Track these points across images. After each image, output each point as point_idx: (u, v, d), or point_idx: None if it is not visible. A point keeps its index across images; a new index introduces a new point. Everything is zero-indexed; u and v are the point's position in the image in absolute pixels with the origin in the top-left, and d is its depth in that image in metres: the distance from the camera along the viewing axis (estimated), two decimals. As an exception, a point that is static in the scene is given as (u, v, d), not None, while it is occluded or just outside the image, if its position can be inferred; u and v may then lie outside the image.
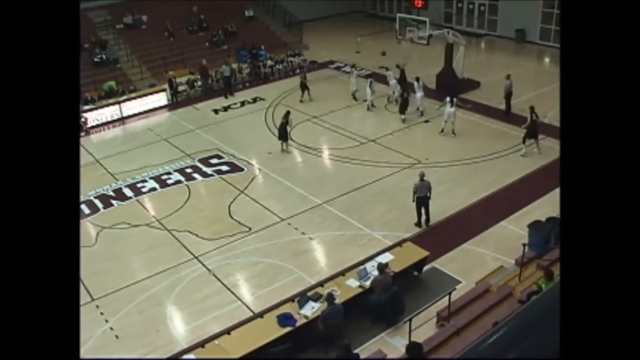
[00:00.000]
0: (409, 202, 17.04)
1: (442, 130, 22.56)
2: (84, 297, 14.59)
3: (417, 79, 24.59)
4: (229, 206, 18.55)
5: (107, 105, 28.14)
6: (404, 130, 23.15)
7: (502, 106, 24.05)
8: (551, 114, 23.14)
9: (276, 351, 11.71)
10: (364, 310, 13.06)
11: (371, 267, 13.55)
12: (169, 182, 20.61)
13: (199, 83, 30.14)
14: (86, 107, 27.69)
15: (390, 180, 19.47)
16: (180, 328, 13.74)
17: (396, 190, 18.70)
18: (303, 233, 16.71)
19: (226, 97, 28.93)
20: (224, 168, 21.27)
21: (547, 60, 33.32)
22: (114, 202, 19.66)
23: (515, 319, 5.46)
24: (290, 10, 38.74)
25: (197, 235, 16.99)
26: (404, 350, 10.56)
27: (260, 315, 12.75)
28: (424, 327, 12.53)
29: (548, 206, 16.31)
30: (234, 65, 31.75)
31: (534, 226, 14.76)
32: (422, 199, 16.36)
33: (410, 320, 11.74)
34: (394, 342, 12.45)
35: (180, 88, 29.77)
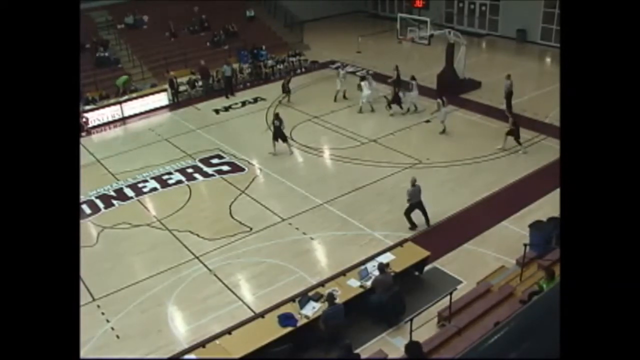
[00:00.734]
0: (410, 202, 17.08)
1: (443, 131, 22.60)
2: (85, 297, 14.60)
3: (413, 78, 24.73)
4: (230, 206, 18.55)
5: (108, 106, 28.16)
6: (405, 130, 23.14)
7: (503, 106, 24.03)
8: (552, 114, 23.15)
9: (277, 351, 11.71)
10: (365, 311, 13.06)
11: (372, 267, 13.55)
12: (170, 182, 20.62)
13: (200, 83, 30.17)
14: (87, 107, 27.72)
15: (391, 180, 19.47)
16: (181, 328, 13.74)
17: (397, 190, 18.69)
18: (304, 233, 16.71)
19: (227, 97, 28.94)
20: (225, 168, 21.27)
21: (548, 60, 33.30)
22: (115, 202, 19.67)
23: (516, 319, 5.46)
24: (291, 10, 38.75)
25: (198, 235, 16.99)
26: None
27: (261, 315, 12.76)
28: (425, 327, 12.54)
29: (549, 206, 16.30)
30: (235, 65, 31.80)
31: (535, 226, 14.75)
32: (417, 204, 16.37)
33: (411, 320, 11.74)
34: (395, 342, 12.45)
35: (182, 88, 29.81)
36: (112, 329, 13.74)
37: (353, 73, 30.06)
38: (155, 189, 20.24)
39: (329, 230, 16.66)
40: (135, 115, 28.01)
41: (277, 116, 22.17)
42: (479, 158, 20.53)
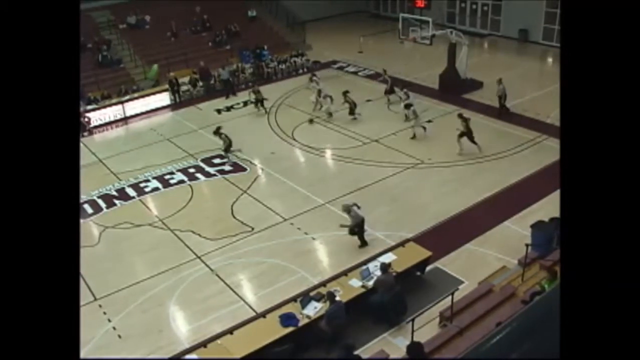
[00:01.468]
0: (412, 202, 17.08)
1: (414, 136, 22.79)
2: (86, 297, 14.62)
3: (405, 86, 25.12)
4: (232, 206, 18.56)
5: (109, 105, 28.21)
6: (407, 131, 23.11)
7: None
8: (554, 114, 23.12)
9: (279, 351, 11.72)
10: (366, 311, 13.05)
11: (374, 267, 13.55)
12: (172, 182, 20.63)
13: (201, 83, 30.20)
14: (89, 107, 27.76)
15: (393, 181, 19.46)
16: (182, 328, 13.74)
17: (399, 190, 18.69)
18: (306, 233, 16.71)
19: (226, 98, 28.90)
20: (227, 168, 21.28)
21: (550, 60, 33.28)
22: (117, 201, 19.68)
23: (518, 319, 5.45)
24: (293, 10, 38.74)
25: (200, 235, 17.00)
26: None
27: (263, 315, 12.77)
28: (426, 327, 12.53)
29: (551, 206, 16.27)
30: (237, 65, 31.87)
31: (537, 226, 14.74)
32: (360, 227, 15.69)
33: (412, 320, 11.73)
34: (397, 342, 12.45)
35: (183, 88, 29.83)
36: (114, 328, 13.74)
37: (355, 73, 29.96)
38: (157, 188, 20.25)
39: (330, 230, 16.65)
40: (137, 115, 28.04)
41: (219, 129, 22.39)
42: (481, 158, 20.51)
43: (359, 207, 15.72)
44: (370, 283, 13.16)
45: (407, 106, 23.05)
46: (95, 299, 14.79)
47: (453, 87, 26.77)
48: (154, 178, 20.92)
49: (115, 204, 19.50)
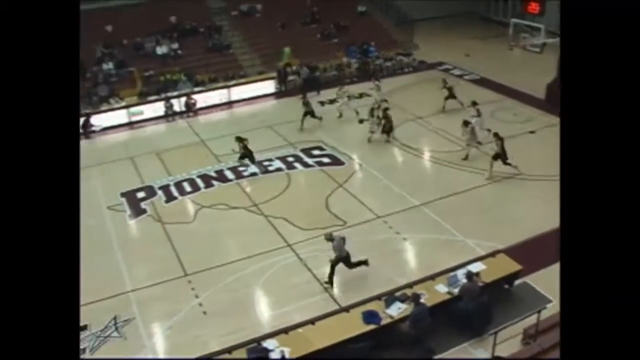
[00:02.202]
0: (506, 213, 16.76)
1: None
2: (177, 271, 15.19)
3: (474, 103, 23.30)
4: (327, 198, 18.76)
5: (216, 89, 29.05)
6: (508, 140, 22.53)
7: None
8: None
9: (358, 347, 11.80)
10: (450, 318, 12.93)
11: (462, 275, 13.36)
12: (270, 168, 21.06)
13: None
14: (197, 89, 28.72)
15: (489, 189, 19.10)
16: (266, 312, 14.07)
17: (494, 199, 18.35)
18: (397, 232, 16.68)
19: (304, 97, 28.10)
20: (325, 160, 21.49)
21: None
22: (215, 182, 20.32)
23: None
24: (403, 8, 38.48)
25: (292, 224, 17.30)
26: (486, 363, 10.43)
27: (346, 309, 12.87)
28: (508, 342, 12.25)
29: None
30: (342, 60, 32.11)
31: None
32: (345, 258, 14.60)
33: (495, 333, 11.55)
34: (477, 354, 12.25)
35: (290, 78, 30.37)
36: (200, 304, 14.27)
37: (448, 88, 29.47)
38: (255, 174, 20.72)
39: (421, 232, 16.56)
40: (242, 100, 28.70)
41: (241, 139, 21.30)
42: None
43: (344, 242, 14.57)
44: (457, 290, 13.01)
45: (466, 123, 21.40)
46: (186, 275, 15.38)
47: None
48: (253, 163, 21.40)
49: (213, 185, 20.14)
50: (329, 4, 36.02)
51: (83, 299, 14.52)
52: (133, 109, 28.23)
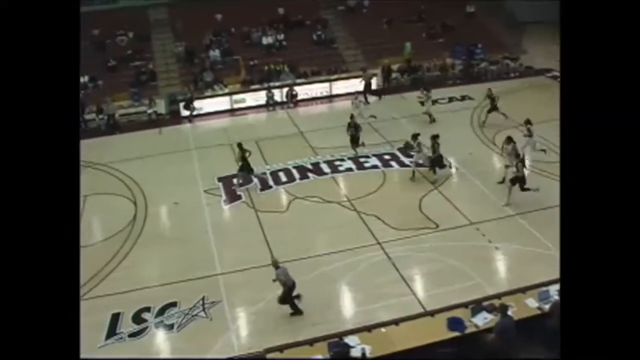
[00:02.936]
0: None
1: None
2: (266, 259, 15.37)
3: (528, 122, 21.07)
4: (421, 200, 18.53)
5: (318, 82, 29.29)
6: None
7: None
8: None
9: (442, 353, 11.62)
10: (537, 334, 12.49)
11: (554, 291, 12.89)
12: (366, 165, 21.04)
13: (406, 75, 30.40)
14: (299, 81, 29.06)
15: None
16: (350, 308, 14.04)
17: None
18: (489, 241, 16.25)
19: (365, 99, 28.09)
20: (420, 161, 21.21)
21: None
22: (310, 175, 20.50)
23: None
24: (514, 10, 37.40)
25: (383, 222, 17.18)
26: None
27: (431, 314, 12.71)
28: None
29: None
30: (445, 61, 31.66)
31: None
32: (292, 287, 13.79)
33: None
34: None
35: (393, 75, 30.29)
36: (287, 294, 14.38)
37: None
38: (350, 169, 20.75)
39: (515, 242, 16.04)
40: (342, 95, 28.77)
41: (240, 146, 20.49)
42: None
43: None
44: (547, 307, 12.55)
45: (509, 140, 19.49)
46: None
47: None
48: (349, 158, 21.46)
49: (308, 177, 20.32)
50: (437, 3, 35.46)
51: (175, 277, 15.19)
52: (236, 97, 28.94)
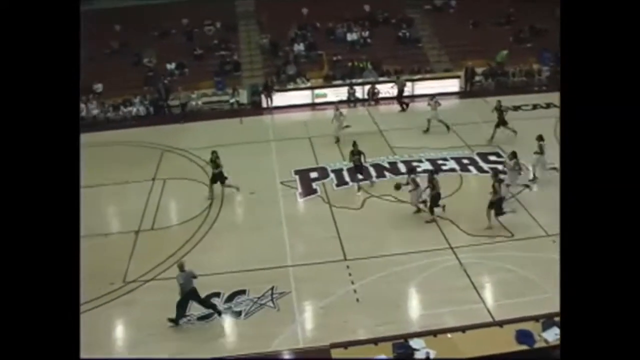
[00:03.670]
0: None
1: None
2: (337, 255, 15.45)
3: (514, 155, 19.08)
4: (497, 207, 18.18)
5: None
6: None
7: None
8: None
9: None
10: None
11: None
12: (444, 167, 20.80)
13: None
14: (381, 79, 29.00)
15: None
16: (417, 310, 13.99)
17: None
18: (566, 254, 15.80)
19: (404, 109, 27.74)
20: (502, 167, 20.77)
21: None
22: (387, 174, 20.47)
23: None
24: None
25: (458, 227, 16.98)
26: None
27: (500, 324, 12.53)
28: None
29: None
30: (532, 66, 30.89)
31: None
32: (191, 293, 13.60)
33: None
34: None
35: (477, 78, 29.87)
36: (355, 291, 14.46)
37: None
38: (427, 170, 20.53)
39: (594, 259, 15.53)
40: (423, 95, 28.44)
41: (213, 152, 19.55)
42: None
43: (195, 277, 13.57)
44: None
45: (513, 155, 18.81)
46: (345, 259, 15.69)
47: None
48: (427, 160, 21.26)
49: (385, 176, 20.29)
50: (526, 5, 34.48)
51: (247, 265, 15.47)
52: (318, 91, 29.14)
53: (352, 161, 19.76)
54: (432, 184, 17.26)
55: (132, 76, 31.27)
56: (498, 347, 11.67)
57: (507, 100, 27.00)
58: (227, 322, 13.84)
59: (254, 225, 17.90)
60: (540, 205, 18.31)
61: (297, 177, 20.70)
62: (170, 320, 13.64)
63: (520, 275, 14.78)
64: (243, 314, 13.93)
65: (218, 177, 19.39)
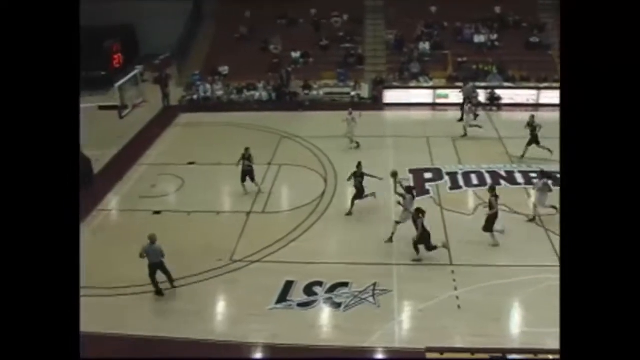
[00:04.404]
0: None
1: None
2: (443, 259, 15.28)
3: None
4: (615, 228, 17.33)
5: (526, 88, 28.34)
6: None
7: None
8: None
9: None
10: None
11: None
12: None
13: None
14: (506, 84, 28.27)
15: None
16: (518, 327, 13.56)
17: None
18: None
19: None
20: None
21: None
22: (503, 182, 19.94)
23: None
24: None
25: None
26: None
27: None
28: None
29: None
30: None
31: None
32: (158, 265, 14.42)
33: None
34: None
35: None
36: (457, 297, 14.23)
37: None
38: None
39: None
40: (550, 105, 27.29)
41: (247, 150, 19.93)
42: None
43: (163, 255, 14.42)
44: None
45: (542, 174, 17.78)
46: (451, 264, 15.48)
47: None
48: (542, 171, 20.47)
49: (500, 184, 19.72)
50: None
51: (352, 258, 15.58)
52: (440, 91, 28.80)
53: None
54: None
55: (258, 62, 32.12)
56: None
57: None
58: (326, 312, 14.00)
59: (363, 219, 17.96)
60: None
61: (411, 176, 20.56)
62: (157, 292, 14.69)
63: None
64: (343, 306, 14.05)
65: (248, 174, 19.71)
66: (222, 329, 13.66)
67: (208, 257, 16.04)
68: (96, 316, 13.93)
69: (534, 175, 20.01)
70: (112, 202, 20.32)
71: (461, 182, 20.12)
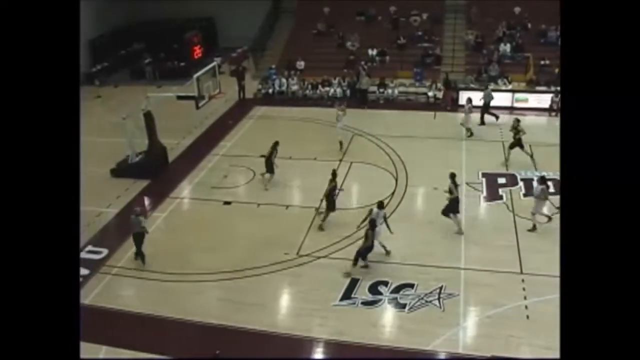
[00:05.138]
0: None
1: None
2: (513, 266, 14.87)
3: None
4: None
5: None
6: None
7: None
8: None
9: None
10: None
11: None
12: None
13: None
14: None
15: None
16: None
17: None
18: None
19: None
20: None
21: None
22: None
23: None
24: None
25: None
26: None
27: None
28: None
29: None
30: None
31: None
32: (137, 235, 15.98)
33: None
34: None
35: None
36: (526, 307, 13.85)
37: None
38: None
39: None
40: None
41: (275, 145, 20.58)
42: None
43: (146, 231, 16.06)
44: None
45: (542, 180, 17.22)
46: (521, 273, 15.07)
47: None
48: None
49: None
50: None
51: (418, 260, 15.39)
52: (519, 95, 28.03)
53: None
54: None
55: (334, 58, 32.11)
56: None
57: None
58: (390, 312, 13.86)
59: (432, 221, 17.66)
60: None
61: (483, 179, 20.14)
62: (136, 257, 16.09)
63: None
64: (407, 308, 13.89)
65: (268, 167, 20.32)
66: (287, 323, 13.71)
67: (275, 250, 16.15)
68: (163, 300, 14.24)
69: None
70: (185, 190, 20.72)
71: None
